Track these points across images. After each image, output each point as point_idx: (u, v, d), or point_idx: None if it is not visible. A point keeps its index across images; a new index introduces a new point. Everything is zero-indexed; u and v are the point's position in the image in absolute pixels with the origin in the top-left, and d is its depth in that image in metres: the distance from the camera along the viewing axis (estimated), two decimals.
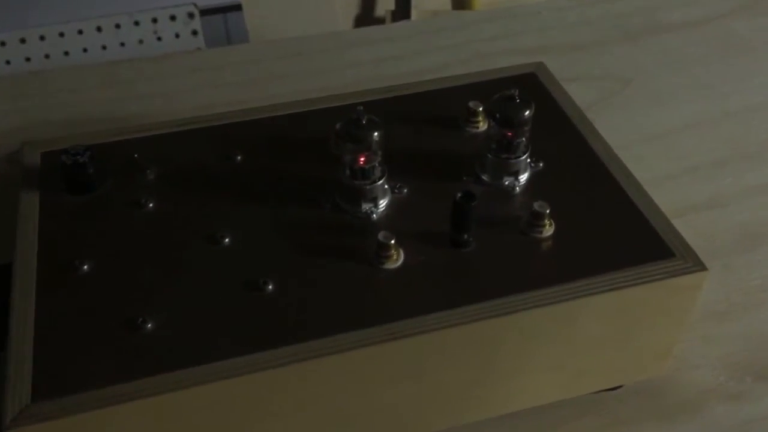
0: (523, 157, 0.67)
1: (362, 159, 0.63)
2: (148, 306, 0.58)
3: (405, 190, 0.67)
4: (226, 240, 0.63)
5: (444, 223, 0.63)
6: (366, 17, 1.98)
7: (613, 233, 0.64)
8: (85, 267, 0.61)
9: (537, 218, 0.63)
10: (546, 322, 0.60)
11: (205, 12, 1.76)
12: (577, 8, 1.21)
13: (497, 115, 0.65)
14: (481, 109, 0.73)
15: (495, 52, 1.12)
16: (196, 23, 1.74)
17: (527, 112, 0.64)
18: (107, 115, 0.96)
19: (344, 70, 1.07)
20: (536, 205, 0.63)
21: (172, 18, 1.75)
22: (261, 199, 0.66)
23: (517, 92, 0.64)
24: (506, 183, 0.67)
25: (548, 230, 0.64)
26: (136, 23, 1.73)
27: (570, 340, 0.61)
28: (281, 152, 0.71)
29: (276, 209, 0.66)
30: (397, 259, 0.61)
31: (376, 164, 0.64)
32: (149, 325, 0.57)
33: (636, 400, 0.69)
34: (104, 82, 1.04)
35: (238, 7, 1.80)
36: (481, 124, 0.73)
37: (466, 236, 0.62)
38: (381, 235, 0.61)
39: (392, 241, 0.61)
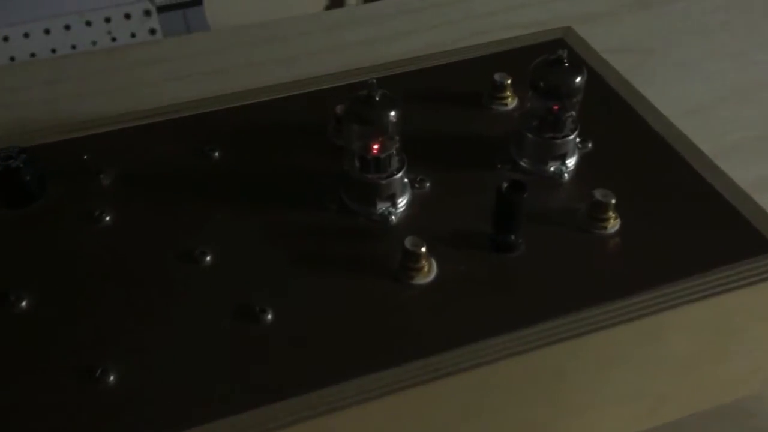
0: (572, 136, 0.54)
1: (376, 146, 0.50)
2: (108, 351, 0.44)
3: (427, 184, 0.54)
4: (208, 258, 0.49)
5: (481, 222, 0.50)
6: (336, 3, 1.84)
7: (694, 225, 0.51)
8: (24, 302, 0.46)
9: (599, 210, 0.50)
10: (626, 341, 0.46)
11: (162, 8, 1.61)
12: None
13: (540, 84, 0.51)
14: (509, 82, 0.60)
15: (494, 29, 0.98)
16: (154, 21, 1.59)
17: (578, 79, 0.51)
18: (52, 115, 0.81)
19: (326, 55, 0.93)
20: (598, 194, 0.50)
21: (127, 16, 1.59)
22: (248, 203, 0.53)
23: (565, 53, 0.51)
24: (552, 169, 0.54)
25: (614, 225, 0.51)
26: (88, 23, 1.57)
27: (654, 361, 0.48)
28: (268, 144, 0.57)
29: (268, 215, 0.52)
30: (429, 272, 0.48)
31: (393, 153, 0.50)
32: (111, 378, 0.43)
33: (723, 424, 0.57)
34: (49, 80, 0.89)
35: (198, 2, 1.65)
36: (509, 100, 0.60)
37: (513, 237, 0.49)
38: (408, 242, 0.47)
39: (423, 249, 0.47)
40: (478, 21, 0.99)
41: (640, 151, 0.57)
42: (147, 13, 1.60)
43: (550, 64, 0.51)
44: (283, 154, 0.57)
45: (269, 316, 0.46)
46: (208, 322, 0.46)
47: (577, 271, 0.49)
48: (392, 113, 0.49)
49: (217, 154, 0.56)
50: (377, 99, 0.48)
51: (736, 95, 0.89)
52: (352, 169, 0.51)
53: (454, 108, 0.60)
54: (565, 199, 0.53)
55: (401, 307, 0.47)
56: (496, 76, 0.60)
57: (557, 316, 0.46)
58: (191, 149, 0.57)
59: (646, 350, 0.47)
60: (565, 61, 0.51)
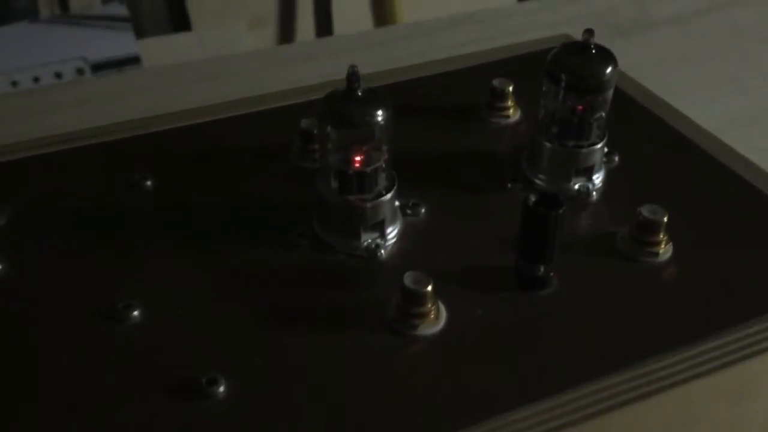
0: (600, 145, 0.43)
1: (359, 158, 0.38)
2: None
3: (422, 210, 0.42)
4: (135, 313, 0.36)
5: (494, 253, 0.39)
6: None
7: (764, 244, 0.40)
8: None
9: (649, 231, 0.39)
10: (707, 397, 0.35)
11: (97, 67, 1.49)
12: (554, 6, 1.01)
13: (562, 77, 0.41)
14: (510, 89, 0.49)
15: None
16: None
17: (609, 69, 0.41)
18: None
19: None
20: (646, 211, 0.39)
21: (58, 75, 1.46)
22: (190, 243, 0.40)
23: (591, 38, 0.40)
24: (576, 187, 0.43)
25: (665, 250, 0.39)
26: (14, 84, 1.44)
27: (741, 421, 0.36)
28: (215, 170, 0.45)
29: (217, 258, 0.39)
30: (437, 319, 0.36)
31: (381, 167, 0.39)
32: None
33: None
34: None
35: (135, 60, 1.54)
36: (511, 111, 0.49)
37: (542, 269, 0.37)
38: (409, 279, 0.35)
39: (428, 288, 0.35)
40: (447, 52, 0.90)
41: (679, 164, 0.46)
42: (80, 71, 1.48)
43: (574, 50, 0.41)
44: (236, 181, 0.44)
45: (221, 390, 0.33)
46: (140, 402, 0.32)
47: (629, 310, 0.37)
48: (379, 113, 0.37)
49: (148, 183, 0.44)
50: (360, 94, 0.37)
51: (740, 122, 0.81)
52: (327, 190, 0.39)
53: (449, 122, 0.49)
54: (597, 222, 0.42)
55: (406, 369, 0.34)
56: (496, 83, 0.49)
57: (612, 371, 0.34)
58: (115, 178, 0.44)
59: (731, 408, 0.36)
60: (593, 46, 0.40)
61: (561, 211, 0.35)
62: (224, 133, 0.48)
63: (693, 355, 0.35)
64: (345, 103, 0.37)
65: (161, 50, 1.57)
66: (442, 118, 0.50)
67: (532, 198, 0.36)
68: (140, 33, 1.45)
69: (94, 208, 0.42)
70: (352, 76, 0.36)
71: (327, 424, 0.32)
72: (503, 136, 0.49)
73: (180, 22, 1.55)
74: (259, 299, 0.37)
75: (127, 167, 0.45)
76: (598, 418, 0.33)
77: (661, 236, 0.39)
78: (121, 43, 1.48)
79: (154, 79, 0.84)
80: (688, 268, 0.39)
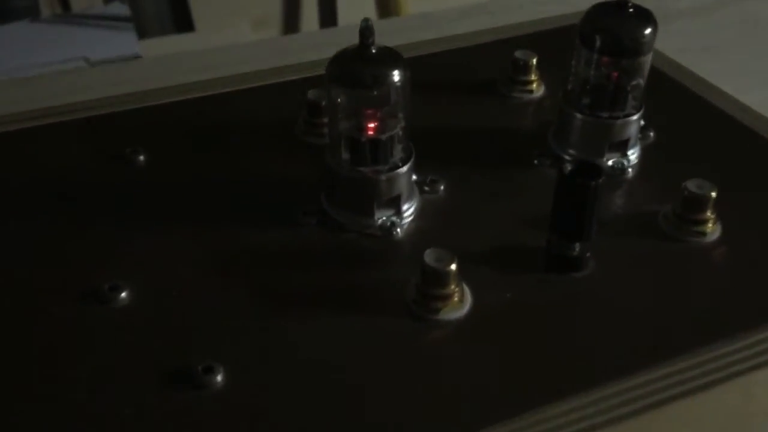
0: (637, 116, 0.39)
1: (373, 124, 0.34)
2: None
3: (441, 187, 0.38)
4: (122, 295, 0.32)
5: (521, 232, 0.35)
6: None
7: None
8: None
9: (695, 208, 0.35)
10: None
11: (99, 64, 1.46)
12: None
13: (597, 38, 0.37)
14: (534, 62, 0.45)
15: None
16: None
17: (648, 30, 0.37)
18: None
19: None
20: (692, 186, 0.35)
21: None
22: (184, 220, 0.36)
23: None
24: (610, 163, 0.39)
25: (713, 229, 0.35)
26: None
27: None
28: (214, 144, 0.41)
29: (216, 237, 0.35)
30: (461, 302, 0.32)
31: (398, 135, 0.35)
32: None
33: None
34: None
35: (136, 57, 1.51)
36: (535, 85, 0.45)
37: (577, 249, 0.33)
38: (430, 257, 0.31)
39: (452, 266, 0.31)
40: None
41: (721, 142, 0.42)
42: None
43: (610, 9, 0.37)
44: (236, 157, 0.41)
45: (218, 378, 0.29)
46: (129, 392, 0.28)
47: (676, 294, 0.33)
48: (395, 73, 0.33)
49: (141, 157, 0.40)
50: (373, 52, 0.33)
51: None
52: (338, 162, 0.35)
53: (468, 97, 0.46)
54: (635, 201, 0.38)
55: (429, 359, 0.30)
56: (519, 54, 0.45)
57: (661, 364, 0.30)
58: (105, 152, 0.40)
59: None
60: (630, 4, 0.36)
61: (600, 180, 0.31)
62: (224, 108, 0.44)
63: (751, 343, 0.31)
64: (358, 61, 0.33)
65: (164, 50, 1.54)
66: (462, 93, 0.46)
67: (568, 167, 0.32)
68: (142, 33, 1.42)
69: (80, 184, 0.38)
70: (366, 30, 0.32)
71: (341, 422, 0.28)
72: (527, 111, 0.45)
73: (183, 22, 1.51)
74: (262, 282, 0.33)
75: (118, 142, 0.41)
76: (638, 416, 0.29)
77: (709, 213, 0.35)
78: (122, 43, 1.44)
79: (153, 69, 0.80)
80: (739, 248, 0.35)
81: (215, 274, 0.34)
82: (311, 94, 0.41)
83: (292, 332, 0.31)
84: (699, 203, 0.35)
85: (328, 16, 1.43)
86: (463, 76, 0.47)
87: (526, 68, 0.45)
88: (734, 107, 0.45)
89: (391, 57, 0.33)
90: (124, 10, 1.48)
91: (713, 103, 0.45)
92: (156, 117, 0.43)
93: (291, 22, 1.47)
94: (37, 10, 1.47)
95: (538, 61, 0.46)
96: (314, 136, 0.41)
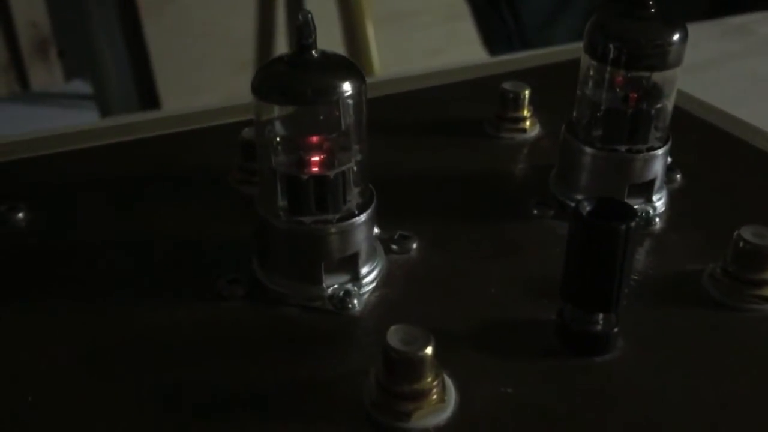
0: (663, 150, 0.30)
1: (317, 156, 0.25)
2: None
3: (413, 245, 0.29)
4: None
5: (524, 302, 0.26)
6: None
7: None
8: None
9: (753, 265, 0.26)
10: None
11: None
12: None
13: (611, 45, 0.28)
14: (527, 93, 0.37)
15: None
16: None
17: (677, 35, 0.28)
18: None
19: None
20: (749, 234, 0.26)
21: None
22: (65, 292, 0.27)
23: None
24: None
25: None
26: None
27: None
28: (121, 196, 0.32)
29: (102, 312, 0.26)
30: (441, 401, 0.22)
31: (353, 170, 0.26)
32: None
33: None
34: None
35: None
36: (528, 123, 0.37)
37: (601, 322, 0.24)
38: (395, 338, 0.22)
39: (428, 350, 0.21)
40: None
41: (762, 182, 0.34)
42: None
43: (627, 9, 0.29)
44: (148, 211, 0.31)
45: None
46: None
47: (736, 387, 0.24)
48: (347, 84, 0.24)
49: (20, 215, 0.30)
50: (316, 57, 0.24)
51: None
52: (272, 210, 0.26)
53: (451, 138, 0.37)
54: (669, 258, 0.29)
55: None
56: (508, 86, 0.37)
57: None
58: None
59: None
60: (651, 2, 0.28)
61: (634, 223, 0.22)
62: (140, 154, 0.35)
63: None
64: (294, 68, 0.24)
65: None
66: (443, 133, 0.37)
67: (587, 206, 0.23)
68: (106, 111, 1.35)
69: None
70: (305, 27, 0.23)
71: None
72: (520, 153, 0.36)
73: (149, 100, 1.46)
74: (163, 377, 0.24)
75: None
76: None
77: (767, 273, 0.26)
78: (82, 121, 1.37)
79: None
80: None
81: (97, 365, 0.24)
82: (246, 133, 0.32)
83: None
84: (759, 257, 0.26)
85: None
86: (444, 115, 0.39)
87: (517, 103, 0.37)
88: (760, 140, 0.37)
89: (340, 64, 0.25)
90: (85, 88, 1.42)
91: (749, 142, 0.36)
92: (43, 167, 0.34)
93: None
94: None
95: (530, 94, 0.37)
96: (250, 185, 0.32)
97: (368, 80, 0.25)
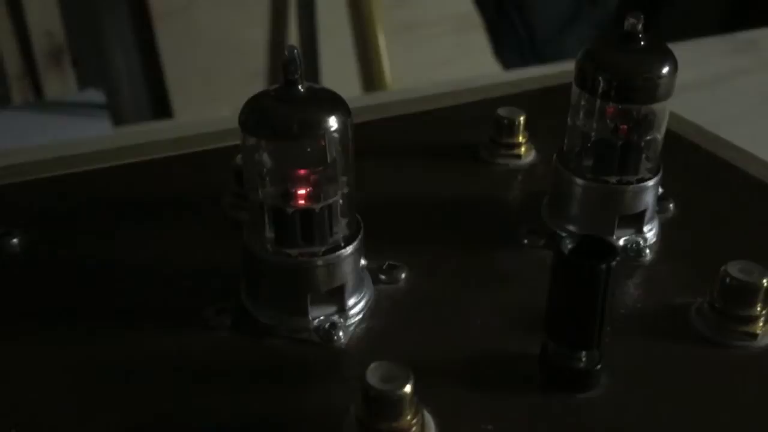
0: (654, 181, 0.30)
1: (303, 189, 0.25)
2: None
3: (402, 275, 0.29)
4: None
5: (509, 336, 0.26)
6: None
7: None
8: None
9: (740, 301, 0.26)
10: None
11: None
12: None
13: (601, 78, 0.28)
14: (522, 120, 0.37)
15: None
16: None
17: (666, 67, 0.28)
18: None
19: None
20: (735, 270, 0.26)
21: None
22: (51, 321, 0.27)
23: (639, 24, 0.28)
24: (622, 242, 0.30)
25: (766, 331, 0.26)
26: None
27: None
28: (111, 222, 0.32)
29: (87, 341, 0.26)
30: None
31: (339, 203, 0.26)
32: None
33: None
34: None
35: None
36: (523, 149, 0.37)
37: (584, 358, 0.24)
38: (375, 375, 0.22)
39: (407, 389, 0.21)
40: None
41: (759, 214, 0.34)
42: None
43: (617, 42, 0.29)
44: (138, 238, 0.32)
45: None
46: None
47: (722, 424, 0.23)
48: (333, 119, 0.24)
49: (15, 240, 0.31)
50: (302, 91, 0.24)
51: None
52: (260, 242, 0.26)
53: (443, 164, 0.37)
54: (657, 292, 0.29)
55: None
56: (503, 112, 0.37)
57: None
58: None
59: None
60: (641, 35, 0.28)
61: (614, 262, 0.22)
62: (131, 180, 0.36)
63: None
64: (281, 103, 0.24)
65: (138, 138, 1.46)
66: (435, 159, 0.37)
67: (568, 243, 0.23)
68: (119, 120, 1.36)
69: None
70: (291, 62, 0.24)
71: None
72: (514, 180, 0.36)
73: (161, 109, 1.47)
74: (149, 407, 0.24)
75: None
76: None
77: (760, 308, 0.26)
78: (95, 130, 1.38)
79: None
80: None
81: (82, 395, 0.24)
82: (239, 158, 0.32)
83: None
84: (746, 293, 0.26)
85: None
86: (438, 140, 0.39)
87: (512, 129, 0.37)
88: (758, 169, 0.36)
89: (327, 98, 0.25)
90: (98, 96, 1.43)
91: (747, 171, 0.36)
92: (38, 192, 0.34)
93: None
94: (7, 99, 1.42)
95: (526, 121, 0.37)
96: (243, 210, 0.32)
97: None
